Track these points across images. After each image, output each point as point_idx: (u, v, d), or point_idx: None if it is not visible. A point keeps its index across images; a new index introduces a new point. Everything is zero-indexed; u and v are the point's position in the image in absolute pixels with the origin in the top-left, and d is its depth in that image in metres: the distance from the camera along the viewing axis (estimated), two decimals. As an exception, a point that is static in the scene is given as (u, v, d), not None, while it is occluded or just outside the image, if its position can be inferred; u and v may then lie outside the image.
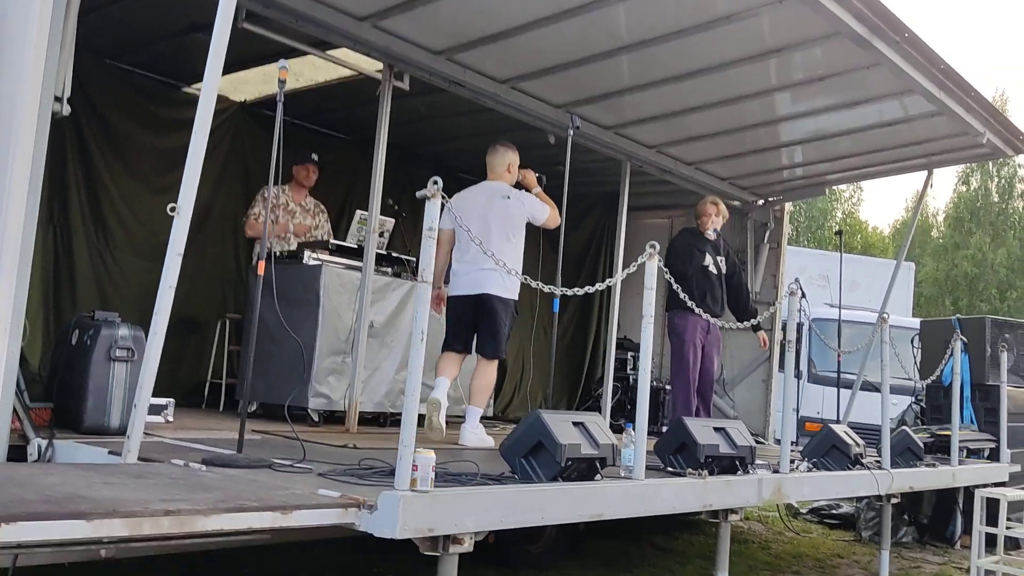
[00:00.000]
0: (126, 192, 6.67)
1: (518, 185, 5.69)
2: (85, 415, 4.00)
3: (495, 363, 5.55)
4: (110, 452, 3.45)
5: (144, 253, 6.57)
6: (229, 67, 4.84)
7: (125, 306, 5.95)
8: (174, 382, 6.48)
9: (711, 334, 6.83)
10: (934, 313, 27.47)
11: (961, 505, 7.60)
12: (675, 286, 4.68)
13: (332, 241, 6.30)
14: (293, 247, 6.38)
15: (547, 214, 5.62)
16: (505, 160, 5.62)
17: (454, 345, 5.57)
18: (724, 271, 6.92)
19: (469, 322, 5.50)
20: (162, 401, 4.72)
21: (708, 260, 6.83)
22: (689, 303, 4.82)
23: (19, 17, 3.92)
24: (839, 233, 9.92)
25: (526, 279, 3.86)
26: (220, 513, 2.46)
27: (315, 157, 6.77)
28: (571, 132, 5.31)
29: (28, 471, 3.12)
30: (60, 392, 4.12)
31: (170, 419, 4.79)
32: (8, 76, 3.91)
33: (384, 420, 6.32)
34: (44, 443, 3.61)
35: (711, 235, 6.89)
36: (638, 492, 3.87)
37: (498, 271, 4.95)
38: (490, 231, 5.24)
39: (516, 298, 5.51)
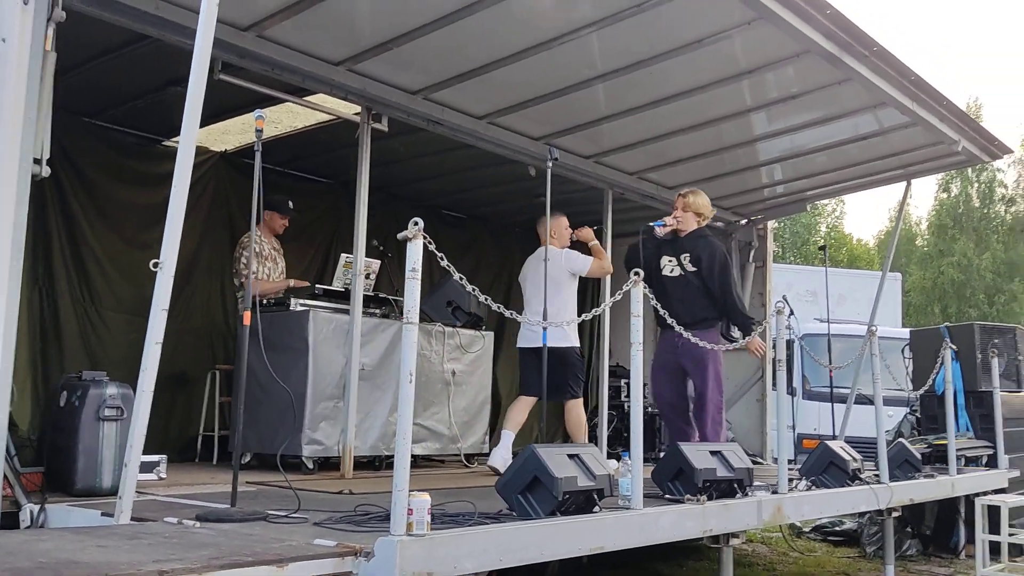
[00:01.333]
0: (110, 249, 6.66)
1: (578, 243, 6.39)
2: (76, 477, 3.97)
3: (574, 402, 6.23)
4: (103, 514, 3.41)
5: (130, 309, 6.55)
6: (208, 118, 4.89)
7: (113, 364, 5.93)
8: (166, 438, 6.43)
9: (682, 349, 5.69)
10: (923, 321, 27.57)
11: (963, 514, 7.57)
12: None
13: (318, 286, 6.30)
14: (280, 294, 6.37)
15: (588, 265, 6.26)
16: (546, 228, 6.03)
17: (525, 390, 6.30)
18: (690, 269, 5.90)
19: (532, 369, 5.97)
20: (154, 458, 4.68)
21: (665, 262, 5.96)
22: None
23: (-6, 82, 3.94)
24: (823, 248, 9.99)
25: (512, 314, 3.86)
26: (214, 571, 2.43)
27: (292, 206, 6.73)
28: (550, 164, 5.34)
29: (21, 538, 3.08)
30: (51, 455, 4.10)
31: (163, 476, 4.75)
32: (-14, 141, 3.91)
33: (380, 463, 6.28)
34: (36, 508, 3.58)
35: (658, 231, 5.92)
36: (637, 522, 3.85)
37: (547, 325, 5.34)
38: (538, 291, 5.64)
39: (570, 344, 6.11)
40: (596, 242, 6.38)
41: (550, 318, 5.24)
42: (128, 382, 4.22)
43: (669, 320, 4.90)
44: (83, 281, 6.49)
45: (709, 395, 5.80)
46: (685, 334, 4.94)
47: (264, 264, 6.49)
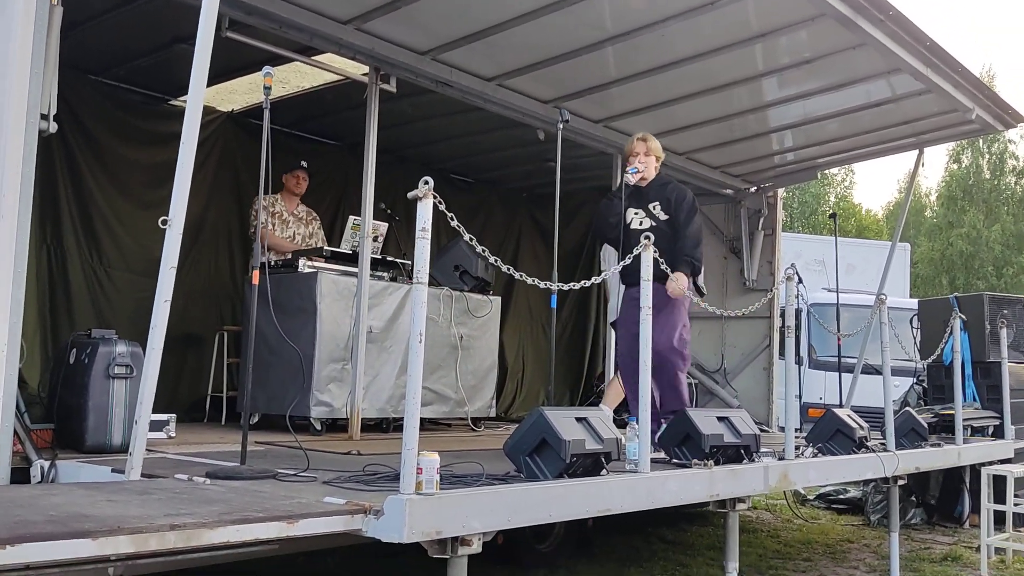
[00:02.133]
0: (117, 208, 6.65)
1: None
2: (87, 434, 3.98)
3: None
4: (113, 470, 3.43)
5: (138, 269, 6.55)
6: (215, 77, 4.83)
7: (121, 323, 5.95)
8: (174, 397, 6.46)
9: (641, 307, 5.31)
10: (931, 293, 27.51)
11: (968, 484, 7.59)
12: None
13: (326, 248, 6.28)
14: (289, 255, 6.36)
15: None
16: None
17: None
18: (662, 218, 5.44)
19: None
20: (163, 417, 4.70)
21: (631, 217, 5.51)
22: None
23: (1, 37, 3.90)
24: (833, 216, 9.94)
25: (522, 276, 3.84)
26: (226, 525, 2.44)
27: (304, 164, 6.76)
28: (560, 126, 5.29)
29: (31, 492, 3.10)
30: (60, 412, 4.11)
31: (172, 434, 4.77)
32: (-7, 96, 3.88)
33: (387, 425, 6.30)
34: (47, 464, 3.59)
35: (631, 179, 5.43)
36: (644, 485, 3.85)
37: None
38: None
39: None
40: None
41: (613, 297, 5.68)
42: (136, 340, 4.24)
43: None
44: (90, 239, 6.49)
45: (666, 354, 5.20)
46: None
47: (274, 221, 6.49)
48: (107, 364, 4.07)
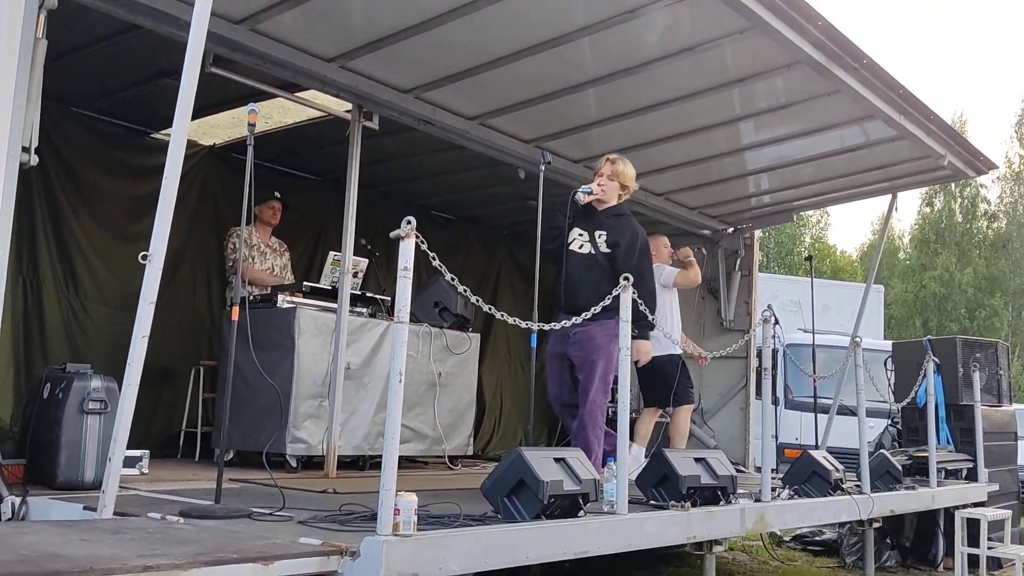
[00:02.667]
0: (96, 241, 6.61)
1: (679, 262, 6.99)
2: (59, 470, 3.93)
3: (683, 409, 6.59)
4: (85, 508, 3.38)
5: (115, 302, 6.50)
6: (197, 112, 4.83)
7: (96, 357, 5.88)
8: (148, 433, 6.38)
9: (574, 338, 4.97)
10: (905, 334, 27.79)
11: (942, 527, 7.62)
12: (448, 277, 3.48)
13: (305, 283, 6.27)
14: (267, 290, 6.34)
15: (673, 277, 6.74)
16: (657, 244, 6.78)
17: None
18: (603, 250, 5.09)
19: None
20: (137, 453, 4.65)
21: (574, 237, 5.12)
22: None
23: (-16, 69, 3.90)
24: (809, 259, 10.05)
25: (503, 316, 3.85)
26: (200, 567, 2.41)
27: (278, 195, 6.74)
28: (543, 168, 5.33)
29: (2, 530, 3.05)
30: (33, 447, 4.05)
31: (145, 471, 4.71)
32: (-26, 129, 3.87)
33: (364, 463, 6.25)
34: (18, 501, 3.53)
35: (582, 198, 5.16)
36: (622, 527, 3.84)
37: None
38: None
39: (664, 352, 6.31)
40: (693, 259, 6.86)
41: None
42: (111, 375, 4.20)
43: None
44: (68, 272, 6.44)
45: (592, 395, 4.93)
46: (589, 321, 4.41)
47: (252, 253, 6.48)
48: (81, 399, 4.03)
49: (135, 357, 3.24)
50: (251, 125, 3.91)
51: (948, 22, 58.49)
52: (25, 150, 3.92)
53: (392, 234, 3.03)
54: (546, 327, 4.19)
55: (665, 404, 6.64)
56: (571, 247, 5.09)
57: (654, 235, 6.63)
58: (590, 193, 5.16)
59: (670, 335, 6.19)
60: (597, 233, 5.13)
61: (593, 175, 5.38)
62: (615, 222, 5.20)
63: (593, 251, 5.07)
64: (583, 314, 4.31)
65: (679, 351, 6.63)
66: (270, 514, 3.41)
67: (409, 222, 3.02)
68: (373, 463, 6.25)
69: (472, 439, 7.17)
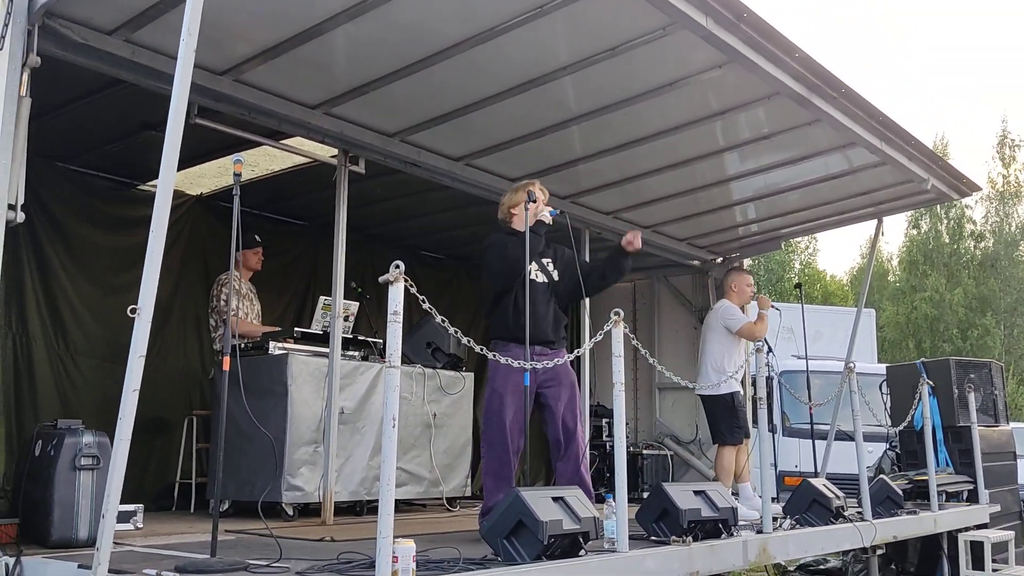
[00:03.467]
0: (84, 295, 6.59)
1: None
2: (52, 528, 3.88)
3: (725, 449, 6.62)
4: (80, 566, 3.32)
5: (105, 355, 6.47)
6: (183, 162, 4.87)
7: (87, 411, 5.84)
8: (141, 485, 6.32)
9: (548, 372, 4.68)
10: (898, 356, 27.78)
11: (946, 550, 7.56)
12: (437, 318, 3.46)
13: (296, 329, 6.25)
14: (258, 337, 6.31)
15: (740, 325, 6.75)
16: (727, 283, 7.07)
17: None
18: (555, 278, 4.95)
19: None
20: (130, 507, 4.59)
21: (532, 266, 4.82)
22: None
23: (-31, 128, 3.91)
24: (799, 286, 10.06)
25: (495, 356, 3.84)
26: (196, 624, 2.37)
27: (258, 239, 6.71)
28: (528, 208, 5.33)
29: (-8, 593, 3.00)
30: (26, 506, 4.01)
31: (140, 525, 4.66)
32: (-41, 188, 3.88)
33: (361, 508, 6.20)
34: (11, 561, 3.48)
35: (548, 220, 4.89)
36: (623, 565, 3.80)
37: (702, 374, 6.53)
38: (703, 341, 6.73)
39: (714, 393, 6.54)
40: (767, 312, 6.83)
41: (702, 367, 6.78)
42: (103, 429, 4.16)
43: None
44: (57, 327, 6.41)
45: (579, 429, 4.82)
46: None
47: (241, 302, 6.45)
48: (73, 455, 3.99)
49: (126, 411, 3.21)
50: (237, 176, 3.92)
51: (905, 19, 59.45)
52: (11, 207, 3.92)
53: (381, 279, 3.03)
54: (538, 365, 4.18)
55: (714, 440, 6.84)
56: (531, 277, 4.76)
57: (739, 271, 7.03)
58: (557, 214, 4.89)
59: (722, 374, 6.48)
60: (545, 261, 4.96)
61: (515, 205, 5.03)
62: (554, 248, 5.05)
63: (547, 279, 4.92)
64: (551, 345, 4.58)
65: (728, 391, 6.60)
66: (267, 566, 3.36)
67: (397, 266, 3.02)
68: (370, 508, 6.20)
69: (470, 479, 7.12)
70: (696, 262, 9.44)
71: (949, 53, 57.77)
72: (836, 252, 55.02)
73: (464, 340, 3.62)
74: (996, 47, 57.20)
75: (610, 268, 5.04)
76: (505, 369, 4.41)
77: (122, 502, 3.39)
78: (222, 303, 6.32)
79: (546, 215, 4.82)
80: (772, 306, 6.93)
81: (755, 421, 8.88)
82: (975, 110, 54.86)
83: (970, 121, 55.64)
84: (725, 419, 6.66)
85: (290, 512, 5.66)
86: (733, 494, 6.80)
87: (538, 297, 4.78)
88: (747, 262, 9.87)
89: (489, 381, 4.78)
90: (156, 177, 3.45)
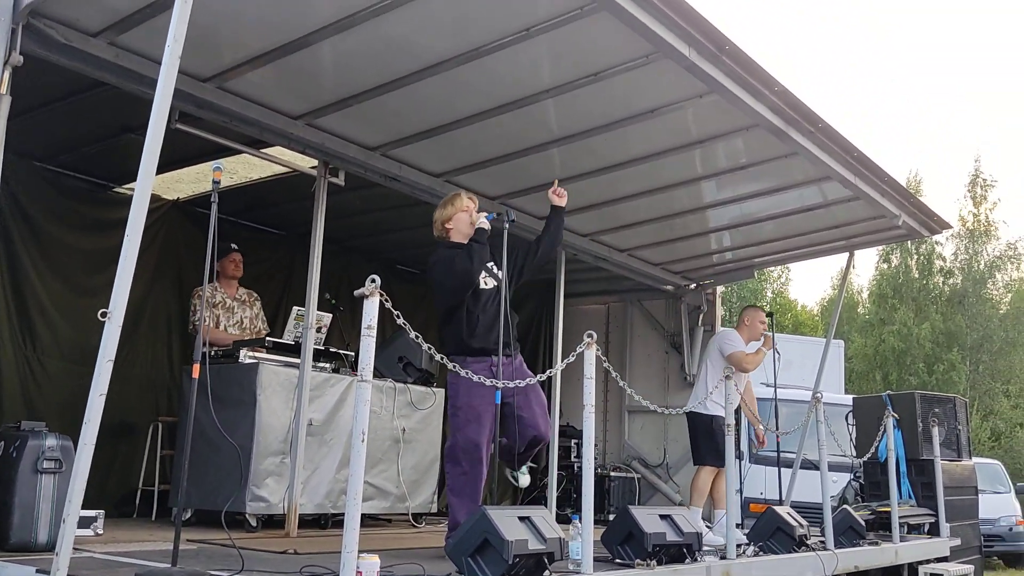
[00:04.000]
0: (55, 295, 6.52)
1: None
2: (11, 531, 3.83)
3: (703, 470, 6.82)
4: (38, 571, 3.28)
5: (72, 357, 6.41)
6: (162, 167, 4.83)
7: (52, 413, 5.78)
8: (103, 491, 6.24)
9: (512, 376, 4.57)
10: (866, 388, 28.08)
11: (906, 582, 7.64)
12: (411, 335, 3.44)
13: (268, 339, 6.22)
14: (229, 345, 6.27)
15: (732, 351, 6.88)
16: (742, 316, 7.28)
17: None
18: (500, 282, 4.81)
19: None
20: (91, 513, 4.53)
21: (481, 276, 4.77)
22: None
23: (-55, 124, 3.89)
24: (770, 315, 10.16)
25: (468, 374, 3.85)
26: (155, 633, 2.35)
27: (235, 246, 6.69)
28: (507, 226, 5.35)
29: (-54, 596, 2.95)
30: (-17, 508, 3.94)
31: (100, 532, 4.59)
32: (-67, 183, 3.85)
33: (325, 521, 6.16)
34: (-34, 563, 3.43)
35: (487, 225, 4.84)
36: (587, 586, 3.81)
37: (693, 393, 6.83)
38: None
39: (701, 412, 6.64)
40: (766, 351, 7.09)
41: (695, 387, 7.16)
42: (67, 432, 4.12)
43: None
44: (25, 327, 6.34)
45: (547, 434, 4.85)
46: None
47: (214, 312, 6.41)
48: (36, 458, 3.95)
49: (92, 415, 3.19)
50: (216, 183, 3.92)
51: (889, 17, 60.34)
52: (-15, 204, 3.89)
53: (357, 292, 3.04)
54: (511, 384, 4.19)
55: (695, 460, 7.02)
56: (480, 287, 4.73)
57: (755, 308, 7.36)
58: (493, 218, 4.83)
59: (709, 394, 6.51)
60: (489, 264, 4.84)
61: (452, 215, 4.92)
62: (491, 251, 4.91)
63: (495, 282, 4.81)
64: (508, 353, 4.55)
65: (709, 412, 6.65)
66: (228, 577, 3.34)
67: (373, 280, 3.03)
68: (335, 521, 6.16)
69: (436, 496, 7.09)
70: (670, 287, 9.51)
71: (933, 51, 58.64)
72: (808, 282, 55.61)
73: (437, 356, 3.63)
74: (980, 46, 58.17)
75: (553, 228, 5.06)
76: (468, 385, 4.36)
77: (83, 507, 3.35)
78: (193, 312, 6.29)
79: (484, 222, 4.77)
80: (774, 348, 7.20)
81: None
82: (959, 109, 55.59)
83: (953, 121, 56.35)
84: (704, 439, 6.80)
85: (253, 523, 5.62)
86: (705, 519, 6.88)
87: (488, 305, 4.72)
88: (720, 289, 9.97)
89: (452, 398, 4.69)
90: (133, 180, 3.43)
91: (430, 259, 4.83)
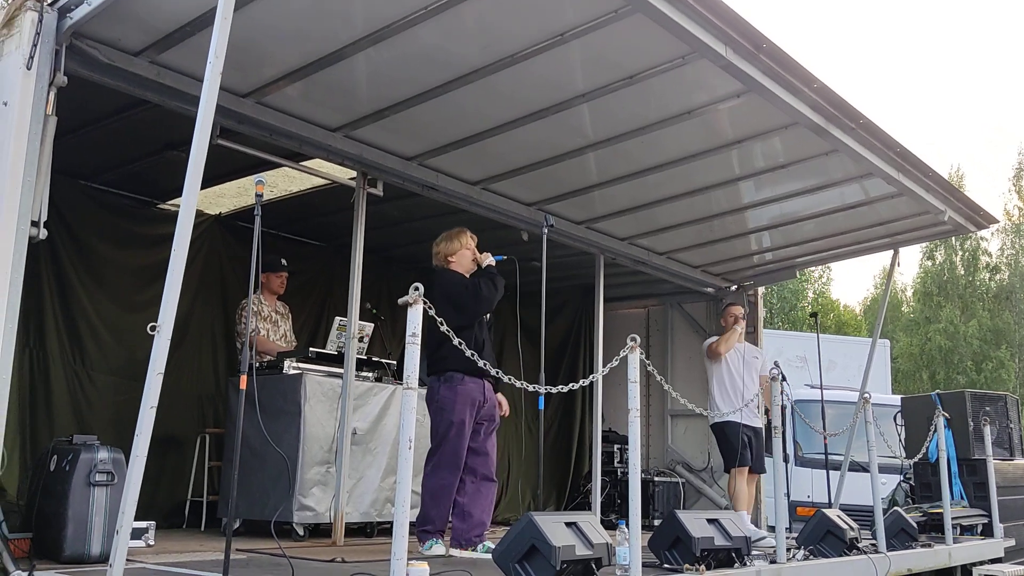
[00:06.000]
0: (102, 311, 6.63)
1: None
2: (65, 544, 3.89)
3: (734, 472, 7.01)
4: (92, 582, 3.34)
5: (121, 372, 6.51)
6: (204, 182, 4.89)
7: (101, 427, 5.88)
8: (153, 502, 6.32)
9: (488, 401, 5.22)
10: (912, 388, 27.62)
11: (960, 584, 7.49)
12: (455, 341, 3.65)
13: (311, 349, 6.27)
14: (274, 356, 6.33)
15: (706, 346, 7.46)
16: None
17: None
18: (488, 318, 5.44)
19: None
20: (142, 524, 4.60)
21: None
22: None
23: (-5, 145, 3.98)
24: (815, 315, 10.04)
25: (511, 380, 3.85)
26: (210, 642, 2.37)
27: (285, 263, 6.77)
28: (545, 231, 5.38)
29: (6, 608, 3.01)
30: (39, 521, 4.02)
31: (151, 543, 4.67)
32: (-15, 204, 3.94)
33: (371, 530, 6.18)
34: (24, 575, 3.49)
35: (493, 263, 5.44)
36: (636, 592, 3.78)
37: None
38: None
39: (717, 420, 6.93)
40: (739, 329, 7.39)
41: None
42: (116, 445, 4.18)
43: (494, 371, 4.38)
44: (74, 343, 6.45)
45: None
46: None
47: (263, 324, 6.49)
48: (88, 471, 4.01)
49: (143, 428, 3.24)
50: (259, 196, 3.96)
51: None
52: (34, 224, 3.98)
53: (400, 301, 3.05)
54: (554, 390, 4.18)
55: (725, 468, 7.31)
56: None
57: (732, 304, 7.72)
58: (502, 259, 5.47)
59: (713, 404, 6.99)
60: None
61: (454, 251, 5.44)
62: None
63: (488, 318, 5.43)
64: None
65: (718, 420, 6.93)
66: (279, 586, 3.36)
67: (417, 288, 3.04)
68: (381, 529, 6.19)
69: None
70: (710, 289, 9.43)
71: (976, 38, 56.57)
72: (849, 282, 54.93)
73: (480, 363, 3.63)
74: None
75: None
76: (463, 400, 5.00)
77: (134, 519, 3.40)
78: (241, 324, 6.36)
79: (492, 260, 5.37)
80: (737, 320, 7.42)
81: (769, 450, 8.84)
82: (999, 95, 53.72)
83: (996, 109, 54.73)
84: (721, 445, 7.20)
85: (301, 532, 5.66)
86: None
87: (484, 332, 5.28)
88: (761, 290, 9.85)
89: (441, 411, 5.06)
90: (176, 196, 3.51)
91: (443, 279, 5.20)
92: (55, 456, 4.16)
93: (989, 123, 56.52)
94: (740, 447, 6.91)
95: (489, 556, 4.81)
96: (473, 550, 4.93)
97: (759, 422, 7.16)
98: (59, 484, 4.01)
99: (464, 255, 5.39)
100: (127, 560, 3.36)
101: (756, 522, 8.75)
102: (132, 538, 4.08)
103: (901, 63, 57.76)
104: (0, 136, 3.97)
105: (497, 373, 3.91)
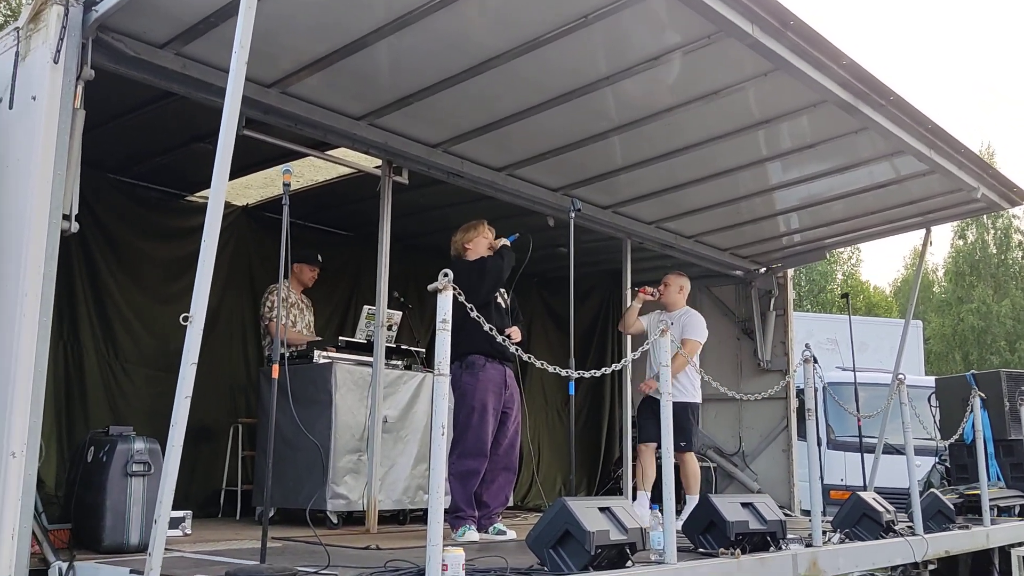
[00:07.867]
0: (134, 303, 6.71)
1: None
2: (104, 534, 3.94)
3: (684, 455, 6.44)
4: (132, 571, 3.38)
5: (153, 363, 6.58)
6: (231, 173, 4.91)
7: (136, 418, 5.94)
8: (188, 492, 6.39)
9: (509, 388, 5.35)
10: (945, 369, 27.29)
11: (998, 566, 7.39)
12: (484, 327, 3.68)
13: (341, 338, 6.30)
14: (303, 346, 6.37)
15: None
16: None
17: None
18: (509, 304, 5.66)
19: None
20: (179, 514, 4.65)
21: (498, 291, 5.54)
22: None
23: (25, 139, 4.02)
24: (845, 296, 9.95)
25: (543, 364, 3.84)
26: (249, 628, 2.39)
27: (320, 259, 6.80)
28: (572, 215, 5.35)
29: (49, 597, 3.05)
30: (78, 512, 4.08)
31: (188, 532, 4.72)
32: (17, 197, 3.99)
33: (404, 517, 6.21)
34: (64, 566, 3.55)
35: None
36: (671, 576, 3.77)
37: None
38: None
39: (681, 400, 6.21)
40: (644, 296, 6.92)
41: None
42: (151, 436, 4.23)
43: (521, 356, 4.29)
44: (107, 335, 6.53)
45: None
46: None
47: (290, 312, 6.52)
48: (125, 462, 4.06)
49: (178, 418, 3.26)
50: (286, 185, 3.97)
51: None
52: (66, 217, 4.01)
53: (430, 287, 3.05)
54: (586, 374, 4.16)
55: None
56: (498, 300, 5.51)
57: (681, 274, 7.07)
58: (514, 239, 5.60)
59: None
60: (501, 288, 5.59)
61: (469, 241, 5.67)
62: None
63: (506, 305, 5.60)
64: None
65: (688, 400, 6.55)
66: (316, 573, 3.38)
67: (446, 275, 3.03)
68: (414, 516, 6.22)
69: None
70: (739, 272, 9.35)
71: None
72: (879, 263, 54.12)
73: (513, 349, 3.62)
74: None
75: None
76: (487, 385, 5.09)
77: (171, 508, 3.43)
78: (266, 309, 6.41)
79: (506, 242, 5.55)
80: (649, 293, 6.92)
81: (801, 433, 8.78)
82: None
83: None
84: (681, 425, 6.47)
85: (334, 520, 5.70)
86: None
87: (500, 318, 5.32)
88: (790, 272, 9.76)
89: (463, 397, 5.13)
90: (205, 188, 3.52)
91: (452, 270, 5.03)
92: (92, 447, 4.21)
93: (982, 83, 55.29)
94: (641, 420, 6.68)
95: (498, 537, 4.84)
96: (485, 532, 5.00)
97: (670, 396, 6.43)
98: (97, 475, 4.06)
99: (480, 242, 5.58)
100: (165, 548, 3.40)
101: (790, 506, 8.71)
102: (170, 527, 4.11)
103: (889, 24, 56.47)
104: (29, 130, 4.00)
105: (529, 359, 3.89)
